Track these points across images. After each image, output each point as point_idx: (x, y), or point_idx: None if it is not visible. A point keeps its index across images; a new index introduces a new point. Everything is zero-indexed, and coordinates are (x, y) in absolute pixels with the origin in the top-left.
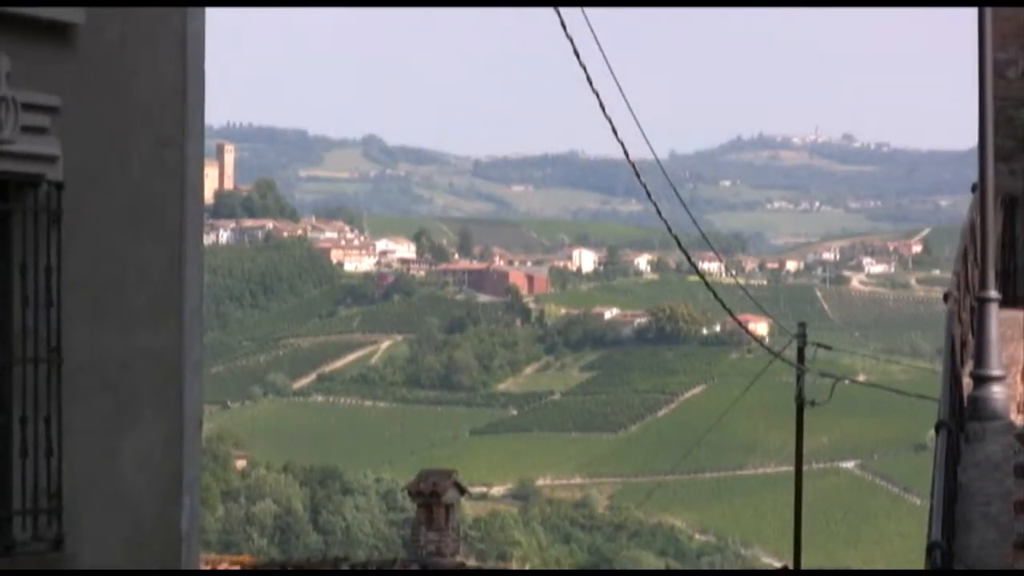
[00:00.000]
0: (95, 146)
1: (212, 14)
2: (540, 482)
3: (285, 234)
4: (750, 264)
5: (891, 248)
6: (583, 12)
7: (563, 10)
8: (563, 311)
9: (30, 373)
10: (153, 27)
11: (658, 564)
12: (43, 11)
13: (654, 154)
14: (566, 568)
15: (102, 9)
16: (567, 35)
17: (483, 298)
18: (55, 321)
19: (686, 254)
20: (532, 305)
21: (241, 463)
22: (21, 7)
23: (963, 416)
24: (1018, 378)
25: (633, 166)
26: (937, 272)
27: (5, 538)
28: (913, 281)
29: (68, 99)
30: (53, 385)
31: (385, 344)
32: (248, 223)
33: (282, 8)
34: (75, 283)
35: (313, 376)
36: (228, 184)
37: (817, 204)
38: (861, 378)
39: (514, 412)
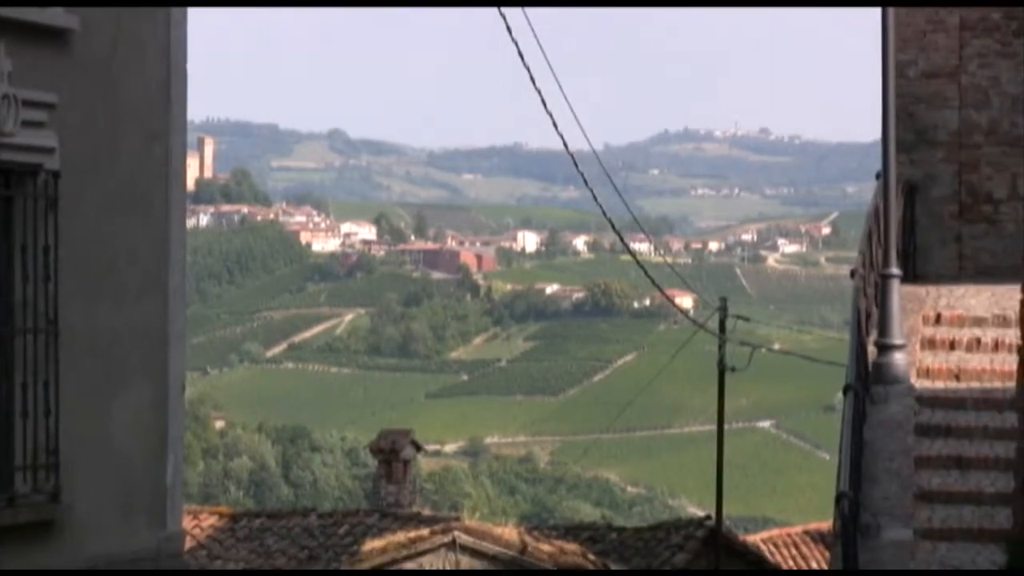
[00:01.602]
0: (88, 139)
1: (193, 19)
2: (488, 440)
3: (259, 218)
4: (676, 245)
5: (803, 230)
6: (526, 16)
7: (508, 15)
8: (508, 287)
9: (30, 342)
10: (141, 33)
11: (595, 513)
12: (42, 17)
13: (590, 146)
14: (511, 517)
15: (95, 16)
16: (512, 38)
17: (437, 275)
18: (52, 296)
19: (619, 235)
20: (481, 281)
21: (220, 423)
22: (17, 6)
23: (868, 380)
24: (917, 346)
25: (571, 156)
26: (844, 252)
27: (7, 491)
28: (823, 260)
29: (64, 97)
30: (51, 353)
31: (349, 316)
32: (225, 208)
33: (255, 8)
34: (71, 262)
35: (284, 345)
36: (208, 173)
37: (736, 191)
38: (776, 347)
39: (465, 378)
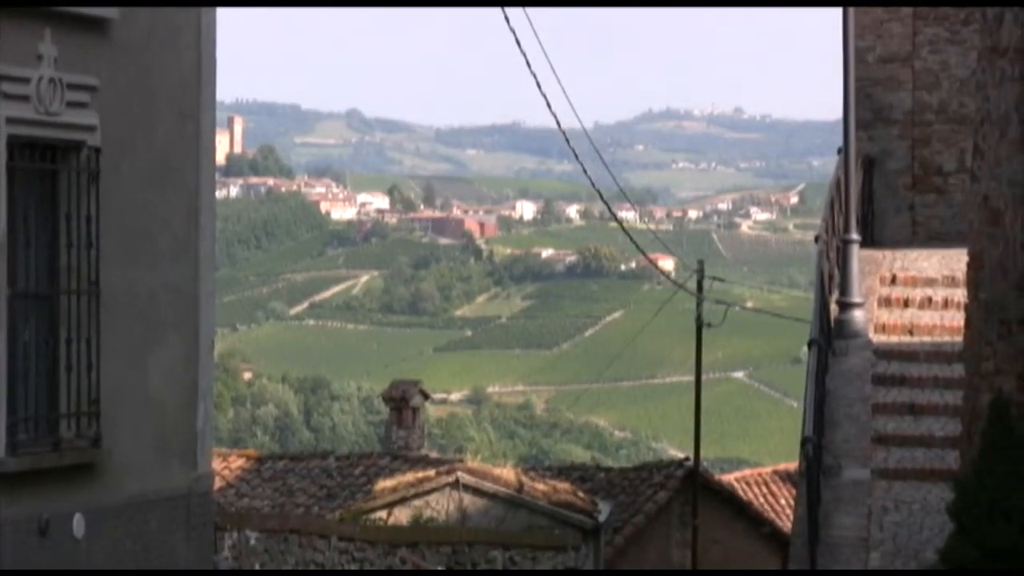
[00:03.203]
0: (127, 118)
1: (222, 9)
2: (490, 390)
3: (283, 189)
4: (659, 213)
5: (773, 200)
6: (523, 8)
7: (508, 7)
8: (508, 251)
9: (74, 302)
10: (174, 21)
11: (586, 455)
12: (84, 7)
13: (581, 124)
14: (510, 459)
15: (133, 5)
16: (510, 27)
17: (443, 241)
18: (94, 260)
19: (607, 205)
20: (483, 246)
21: (248, 375)
22: (65, 7)
23: (831, 335)
24: (874, 304)
25: (564, 134)
26: (810, 219)
27: (54, 436)
28: (791, 226)
29: (105, 80)
30: (93, 312)
31: (364, 278)
32: (253, 180)
33: (283, 8)
34: (110, 229)
35: (306, 304)
36: (237, 149)
37: (713, 164)
38: (749, 304)
39: (469, 333)
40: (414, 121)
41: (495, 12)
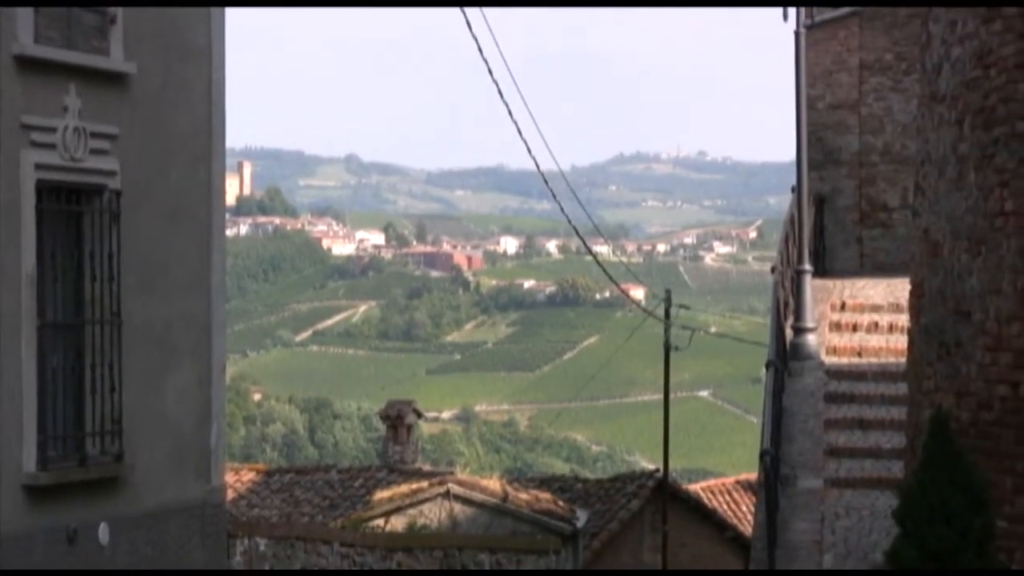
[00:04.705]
0: (145, 163)
1: (232, 62)
2: (478, 408)
3: (288, 228)
4: (630, 247)
5: (734, 234)
6: (505, 62)
7: (490, 58)
8: (493, 282)
9: (98, 331)
10: (187, 76)
11: (565, 468)
12: (106, 63)
13: (558, 166)
14: (496, 471)
15: (149, 62)
16: (493, 80)
17: (435, 273)
18: (116, 293)
19: (583, 240)
20: (471, 278)
21: (257, 396)
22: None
23: (786, 357)
24: (826, 329)
25: (543, 176)
26: (767, 252)
27: (80, 453)
28: (750, 259)
29: (124, 129)
30: (115, 340)
31: (363, 308)
32: (261, 220)
33: (286, 43)
34: (130, 264)
35: (310, 332)
36: (247, 191)
37: (680, 203)
38: (712, 330)
39: (458, 357)
40: (407, 165)
41: (480, 67)
